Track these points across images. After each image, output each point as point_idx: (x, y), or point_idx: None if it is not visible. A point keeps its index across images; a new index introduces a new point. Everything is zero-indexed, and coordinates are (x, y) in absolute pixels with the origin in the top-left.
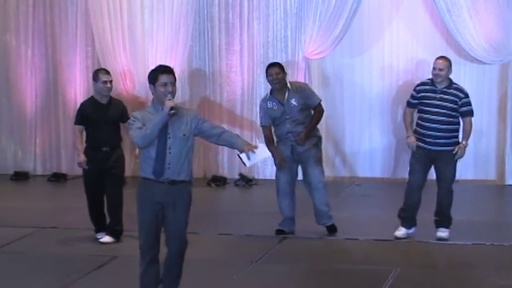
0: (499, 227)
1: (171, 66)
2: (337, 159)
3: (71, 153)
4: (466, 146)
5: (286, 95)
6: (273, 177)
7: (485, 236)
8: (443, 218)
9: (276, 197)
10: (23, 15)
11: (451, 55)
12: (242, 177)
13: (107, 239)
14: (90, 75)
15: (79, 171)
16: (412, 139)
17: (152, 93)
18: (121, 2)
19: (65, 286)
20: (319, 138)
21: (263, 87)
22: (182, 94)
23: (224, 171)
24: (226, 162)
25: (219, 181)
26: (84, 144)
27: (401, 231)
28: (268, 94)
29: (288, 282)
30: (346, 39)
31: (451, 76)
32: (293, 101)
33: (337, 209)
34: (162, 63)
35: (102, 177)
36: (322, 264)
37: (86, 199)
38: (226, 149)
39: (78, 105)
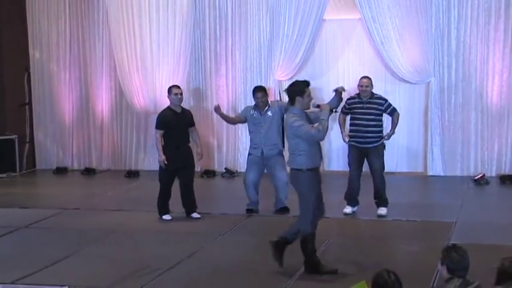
0: (418, 207)
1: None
2: None
3: (99, 152)
4: (393, 133)
5: (266, 108)
6: None
7: (405, 214)
8: (381, 200)
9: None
10: (62, 48)
11: (388, 77)
12: (227, 170)
13: (168, 217)
14: (113, 93)
15: (105, 166)
16: (345, 135)
17: (298, 103)
18: (135, 39)
19: (75, 252)
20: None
21: (243, 102)
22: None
23: (214, 166)
24: (216, 158)
25: (209, 173)
26: (162, 143)
27: (348, 209)
28: (254, 105)
29: (245, 250)
30: (310, 65)
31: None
32: (269, 113)
33: (294, 194)
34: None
35: (176, 172)
36: (274, 236)
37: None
38: (216, 146)
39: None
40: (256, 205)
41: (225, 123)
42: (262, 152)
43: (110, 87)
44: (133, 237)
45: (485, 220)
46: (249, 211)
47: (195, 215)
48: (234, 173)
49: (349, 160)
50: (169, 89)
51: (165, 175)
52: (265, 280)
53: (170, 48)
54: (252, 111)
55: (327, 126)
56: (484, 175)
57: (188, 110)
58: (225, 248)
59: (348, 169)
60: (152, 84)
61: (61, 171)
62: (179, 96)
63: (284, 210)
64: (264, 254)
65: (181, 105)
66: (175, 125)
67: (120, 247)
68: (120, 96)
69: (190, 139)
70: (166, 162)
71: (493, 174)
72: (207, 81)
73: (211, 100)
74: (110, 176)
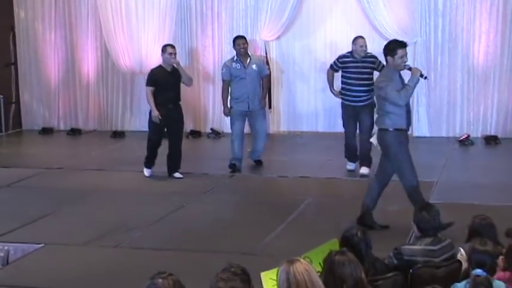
0: None
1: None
2: (288, 116)
3: (85, 113)
4: None
5: (248, 60)
6: None
7: None
8: (365, 159)
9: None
10: (47, 6)
11: (376, 37)
12: (213, 131)
13: (149, 172)
14: (99, 53)
15: (91, 127)
16: (336, 92)
17: (389, 63)
18: None
19: (54, 211)
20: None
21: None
22: None
23: (200, 126)
24: (202, 119)
25: (195, 134)
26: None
27: (351, 166)
28: (235, 57)
29: (225, 208)
30: (297, 25)
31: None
32: (254, 66)
33: (278, 155)
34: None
35: (165, 129)
36: (255, 196)
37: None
38: (202, 108)
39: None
40: (240, 161)
41: (210, 84)
42: (248, 107)
43: (95, 48)
44: (113, 197)
45: (466, 180)
46: (232, 166)
47: (177, 174)
48: (219, 133)
49: (343, 119)
50: (164, 48)
51: (155, 131)
52: (241, 238)
53: (155, 8)
54: (234, 65)
55: (410, 93)
56: (468, 136)
57: (177, 69)
58: (205, 207)
59: (343, 129)
60: (138, 44)
61: (47, 131)
62: (173, 56)
63: (258, 163)
64: (242, 213)
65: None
66: (166, 83)
67: (99, 206)
68: (106, 57)
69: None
70: (160, 117)
71: (479, 135)
72: (193, 41)
73: (197, 60)
74: (95, 136)
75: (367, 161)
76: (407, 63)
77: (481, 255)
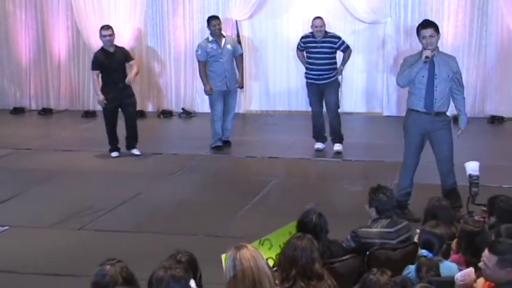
0: (368, 148)
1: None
2: (261, 96)
3: (57, 92)
4: (343, 69)
5: (224, 41)
6: (209, 111)
7: (355, 154)
8: (336, 136)
9: (208, 124)
10: None
11: (348, 17)
12: (184, 110)
13: (116, 154)
14: (70, 33)
15: (63, 106)
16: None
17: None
18: None
19: (21, 192)
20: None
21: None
22: (139, 48)
23: (172, 106)
24: (174, 99)
25: (166, 114)
26: (101, 84)
27: (319, 145)
28: (210, 38)
29: (191, 189)
30: (269, 4)
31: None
32: (229, 46)
33: (248, 135)
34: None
35: (118, 109)
36: (223, 176)
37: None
38: (174, 88)
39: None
40: (221, 141)
41: (182, 64)
42: (226, 86)
43: (66, 27)
44: (81, 178)
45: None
46: (218, 147)
47: (135, 151)
48: (191, 113)
49: (309, 99)
50: (100, 30)
51: (108, 114)
52: (206, 220)
53: None
54: (210, 45)
55: (412, 75)
56: None
57: (122, 48)
58: (172, 187)
59: (310, 108)
60: (109, 23)
61: (18, 111)
62: (107, 37)
63: (227, 144)
64: (208, 194)
65: (116, 44)
66: (109, 64)
67: (66, 188)
68: (77, 36)
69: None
70: (105, 101)
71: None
72: (165, 21)
73: (168, 40)
74: (66, 116)
75: (338, 138)
76: (428, 50)
77: (428, 235)
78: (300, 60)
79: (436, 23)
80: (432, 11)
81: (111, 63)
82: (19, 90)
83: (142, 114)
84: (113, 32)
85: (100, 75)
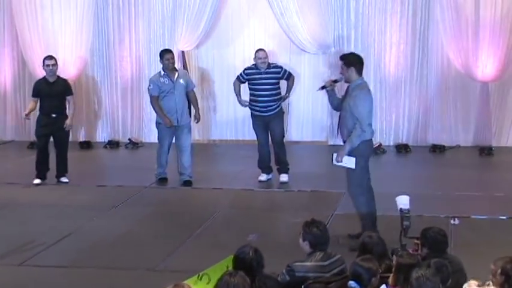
0: (312, 178)
1: None
2: (208, 125)
3: (3, 123)
4: (288, 96)
5: (176, 75)
6: (156, 141)
7: (299, 184)
8: (282, 166)
9: (154, 155)
10: None
11: (293, 48)
12: (131, 141)
13: (37, 181)
14: (15, 64)
15: (9, 137)
16: (243, 102)
17: None
18: (36, 8)
19: None
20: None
21: (147, 72)
22: (85, 78)
23: (119, 136)
24: (121, 129)
25: (113, 144)
26: (38, 113)
27: (263, 177)
28: (162, 72)
29: (134, 222)
30: (216, 36)
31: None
32: (181, 81)
33: (194, 165)
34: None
35: (49, 138)
36: (166, 208)
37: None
38: (120, 118)
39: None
40: (165, 173)
41: (128, 93)
42: (177, 121)
43: (12, 57)
44: (24, 211)
45: (374, 190)
46: (163, 180)
47: (63, 179)
48: (137, 144)
49: (254, 129)
50: (43, 60)
51: (38, 139)
52: (146, 253)
53: (72, 19)
54: (162, 79)
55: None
56: (380, 144)
57: (64, 80)
58: (115, 220)
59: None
60: (55, 54)
61: None
62: (51, 67)
63: (187, 184)
64: (151, 227)
65: (59, 75)
66: (47, 93)
67: (7, 222)
68: (23, 67)
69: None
70: (29, 118)
71: (391, 143)
72: (111, 51)
73: (115, 71)
74: (12, 147)
75: (284, 168)
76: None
77: (357, 267)
78: (235, 91)
79: (379, 53)
80: (375, 42)
81: (50, 93)
82: None
83: (89, 144)
84: (56, 62)
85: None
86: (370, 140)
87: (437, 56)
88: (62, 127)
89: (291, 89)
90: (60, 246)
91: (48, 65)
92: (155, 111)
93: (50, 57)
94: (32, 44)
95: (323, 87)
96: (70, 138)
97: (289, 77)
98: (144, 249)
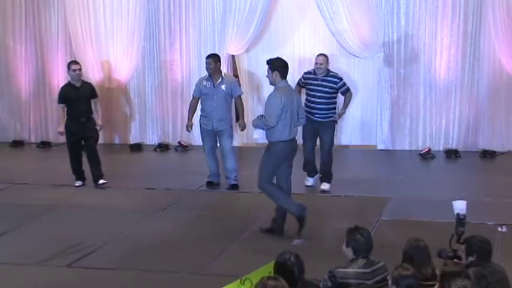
0: (360, 183)
1: None
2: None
3: (55, 125)
4: (343, 113)
5: (219, 80)
6: None
7: (346, 189)
8: (326, 175)
9: (202, 158)
10: (18, 21)
11: (343, 52)
12: (180, 144)
13: (79, 183)
14: None
15: (62, 139)
16: None
17: None
18: (89, 12)
19: (13, 229)
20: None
21: (197, 76)
22: (138, 81)
23: (169, 139)
24: (171, 132)
25: (163, 147)
26: (65, 117)
27: (309, 181)
28: (208, 75)
29: (180, 225)
30: (266, 39)
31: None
32: (222, 87)
33: (242, 169)
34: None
35: (79, 142)
36: (213, 212)
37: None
38: (170, 121)
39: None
40: (217, 177)
41: (178, 97)
42: (212, 126)
43: (65, 61)
44: (73, 213)
45: (420, 196)
46: (210, 183)
47: (101, 181)
48: (187, 146)
49: (303, 133)
50: (68, 65)
51: (69, 146)
52: (191, 257)
53: (124, 23)
54: (205, 82)
55: None
56: (429, 149)
57: (89, 83)
58: (161, 223)
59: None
60: (106, 58)
61: (17, 144)
62: (77, 72)
63: (233, 187)
64: (196, 231)
65: (83, 79)
66: (75, 98)
67: (58, 223)
68: None
69: (93, 110)
70: (63, 135)
71: (441, 149)
72: (162, 55)
73: (165, 74)
74: (65, 149)
75: (328, 177)
76: None
77: (408, 279)
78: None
79: (429, 58)
80: (425, 46)
81: (76, 97)
82: (19, 123)
83: (139, 147)
84: (81, 67)
85: (65, 109)
86: (287, 142)
87: (488, 61)
88: (91, 130)
89: (347, 106)
90: (107, 249)
91: (74, 70)
92: (188, 109)
93: (76, 62)
94: (84, 48)
95: None
96: (118, 141)
97: (345, 92)
98: (188, 252)
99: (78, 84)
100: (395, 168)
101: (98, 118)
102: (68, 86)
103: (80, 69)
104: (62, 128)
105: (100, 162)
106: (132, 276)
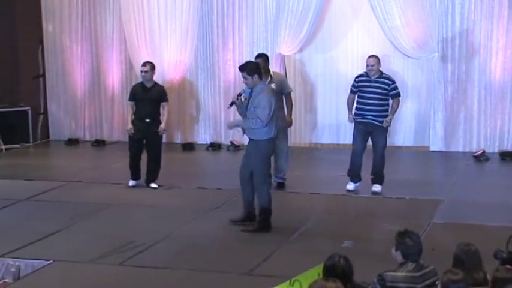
0: (411, 184)
1: None
2: (310, 129)
3: (110, 124)
4: (391, 119)
5: (269, 79)
6: None
7: (398, 191)
8: (377, 177)
9: None
10: (74, 21)
11: (397, 53)
12: (232, 144)
13: (132, 183)
14: (123, 66)
15: (116, 138)
16: (350, 118)
17: None
18: (144, 13)
19: (67, 226)
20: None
21: None
22: (190, 82)
23: (221, 139)
24: (223, 131)
25: (215, 146)
26: (133, 116)
27: (351, 186)
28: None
29: (228, 225)
30: (319, 39)
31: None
32: (273, 85)
33: (293, 169)
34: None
35: (142, 142)
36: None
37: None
38: (223, 120)
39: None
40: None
41: (231, 97)
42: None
43: (120, 61)
44: (127, 212)
45: (474, 199)
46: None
47: (152, 185)
48: (239, 146)
49: (353, 135)
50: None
51: (131, 144)
52: (241, 258)
53: (178, 23)
54: None
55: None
56: (484, 151)
57: (161, 86)
58: (212, 223)
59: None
60: (160, 57)
61: (73, 142)
62: (143, 73)
63: (280, 186)
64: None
65: (155, 80)
66: (142, 98)
67: (111, 221)
68: (130, 69)
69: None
70: (131, 132)
71: (495, 151)
72: (215, 56)
73: (218, 74)
74: (119, 147)
75: (379, 179)
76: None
77: (458, 284)
78: (347, 105)
79: (485, 58)
80: (480, 47)
81: (144, 97)
82: (74, 122)
83: (191, 147)
84: (150, 68)
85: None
86: (271, 139)
87: None
88: (155, 132)
89: (395, 111)
90: (159, 247)
91: (141, 71)
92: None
93: (144, 64)
94: (139, 48)
95: (232, 104)
96: (173, 140)
97: (395, 96)
98: (238, 253)
99: (149, 85)
100: (448, 170)
101: (163, 122)
102: (139, 85)
103: (146, 71)
104: (129, 126)
105: (159, 167)
106: (183, 275)
